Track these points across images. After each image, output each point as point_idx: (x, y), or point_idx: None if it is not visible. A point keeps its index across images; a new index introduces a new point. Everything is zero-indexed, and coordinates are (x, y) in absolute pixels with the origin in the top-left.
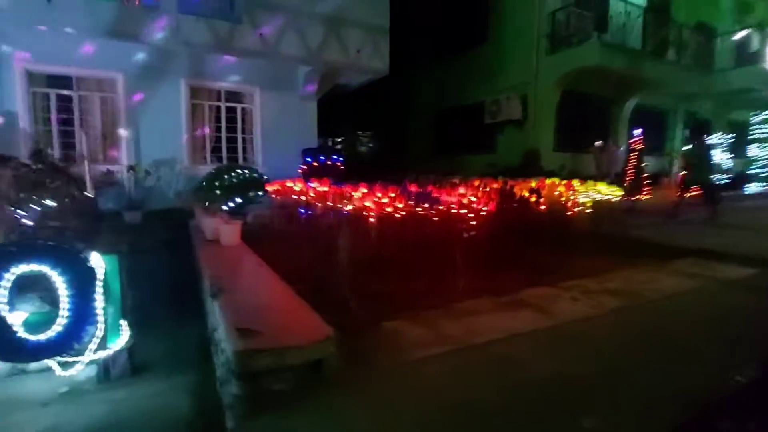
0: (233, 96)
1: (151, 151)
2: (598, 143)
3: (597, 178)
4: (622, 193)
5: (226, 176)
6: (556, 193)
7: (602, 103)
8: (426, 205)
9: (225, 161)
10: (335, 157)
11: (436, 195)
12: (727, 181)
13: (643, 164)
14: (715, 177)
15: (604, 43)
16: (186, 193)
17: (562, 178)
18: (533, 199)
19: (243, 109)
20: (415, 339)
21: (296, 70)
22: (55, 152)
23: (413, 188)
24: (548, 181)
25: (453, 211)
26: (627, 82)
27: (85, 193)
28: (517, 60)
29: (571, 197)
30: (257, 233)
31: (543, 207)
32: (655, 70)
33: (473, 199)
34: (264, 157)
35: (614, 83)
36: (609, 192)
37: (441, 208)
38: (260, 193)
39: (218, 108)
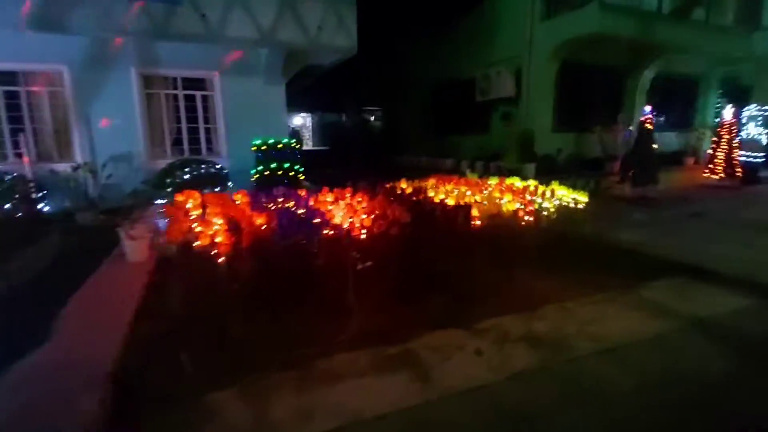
0: (191, 83)
1: (107, 147)
2: (616, 123)
3: (604, 160)
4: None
5: (178, 172)
6: (504, 200)
7: (613, 73)
8: (299, 235)
9: (187, 154)
10: (291, 151)
11: (317, 220)
12: (763, 159)
13: (654, 146)
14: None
15: (608, 6)
16: (141, 190)
17: (558, 163)
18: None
19: (204, 96)
20: (224, 427)
21: (258, 53)
22: (8, 152)
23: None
24: (508, 182)
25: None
26: (642, 49)
27: (32, 196)
28: (510, 27)
29: (521, 205)
30: None
31: (477, 222)
32: (678, 33)
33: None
34: (229, 147)
35: (627, 50)
36: (573, 196)
37: (328, 232)
38: (218, 189)
39: (176, 97)
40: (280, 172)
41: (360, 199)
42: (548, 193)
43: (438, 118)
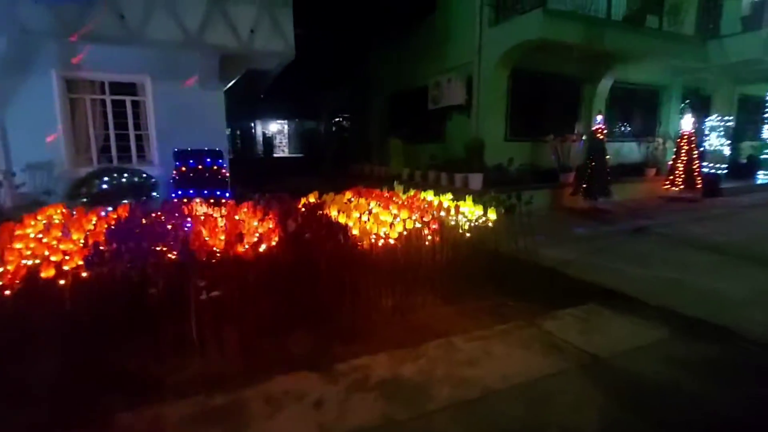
0: (120, 88)
1: (24, 154)
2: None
3: (558, 171)
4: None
5: (96, 181)
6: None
7: (569, 82)
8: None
9: (116, 162)
10: (216, 161)
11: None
12: (724, 170)
13: (607, 156)
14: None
15: (552, 12)
16: (42, 201)
17: (509, 174)
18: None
19: (134, 102)
20: None
21: (191, 57)
22: None
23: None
24: (423, 195)
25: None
26: (596, 56)
27: None
28: (462, 34)
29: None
30: None
31: (362, 242)
32: (630, 41)
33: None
34: (161, 155)
35: (580, 58)
36: (474, 212)
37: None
38: (141, 199)
39: (103, 102)
40: (200, 167)
41: (245, 213)
42: (453, 210)
43: (394, 126)
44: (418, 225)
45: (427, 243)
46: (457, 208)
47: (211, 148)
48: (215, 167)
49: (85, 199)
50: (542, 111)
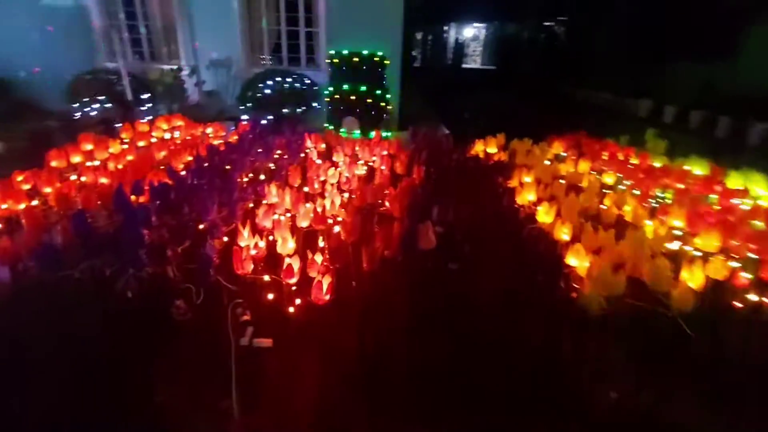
0: None
1: (207, 50)
2: None
3: None
4: None
5: (260, 85)
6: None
7: None
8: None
9: (285, 63)
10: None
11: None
12: None
13: None
14: None
15: None
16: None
17: None
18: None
19: None
20: None
21: None
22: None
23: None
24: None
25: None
26: None
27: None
28: None
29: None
30: None
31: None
32: None
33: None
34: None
35: None
36: None
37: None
38: (300, 110)
39: None
40: (353, 97)
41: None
42: None
43: (642, 32)
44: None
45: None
46: None
47: (373, 52)
48: (371, 78)
49: (249, 104)
50: None
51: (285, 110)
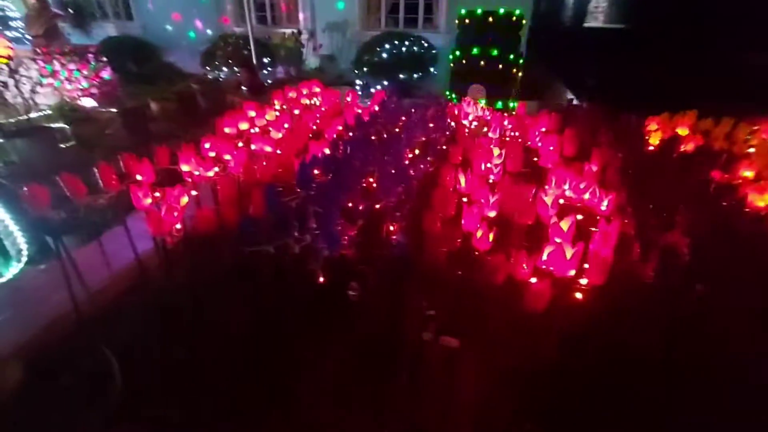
0: None
1: (323, 14)
2: None
3: None
4: None
5: (377, 49)
6: None
7: None
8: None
9: (402, 26)
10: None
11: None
12: None
13: None
14: None
15: None
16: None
17: None
18: None
19: None
20: None
21: None
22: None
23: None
24: None
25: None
26: None
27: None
28: None
29: None
30: None
31: None
32: None
33: None
34: (449, 19)
35: None
36: None
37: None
38: (417, 75)
39: None
40: (482, 63)
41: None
42: None
43: None
44: None
45: None
46: None
47: (510, 11)
48: (504, 41)
49: (365, 68)
50: None
51: (402, 76)
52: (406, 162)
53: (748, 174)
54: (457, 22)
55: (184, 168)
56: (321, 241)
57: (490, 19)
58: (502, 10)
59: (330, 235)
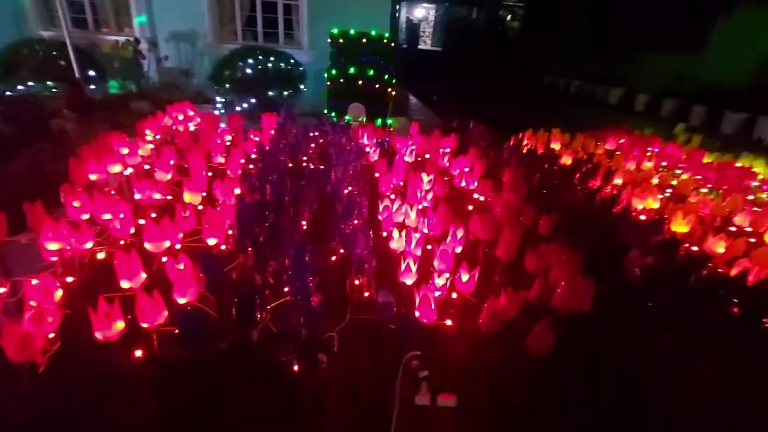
0: None
1: (166, 21)
2: None
3: None
4: None
5: (240, 63)
6: None
7: None
8: None
9: (260, 40)
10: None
11: None
12: None
13: None
14: None
15: None
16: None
17: None
18: None
19: None
20: None
21: None
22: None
23: None
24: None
25: None
26: None
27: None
28: None
29: None
30: None
31: None
32: None
33: None
34: (312, 36)
35: None
36: None
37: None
38: (287, 92)
39: None
40: (360, 82)
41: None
42: None
43: (609, 20)
44: None
45: None
46: None
47: (381, 34)
48: (379, 62)
49: (227, 85)
50: None
51: (270, 93)
52: (350, 196)
53: (619, 181)
54: (329, 41)
55: (50, 246)
56: (294, 316)
57: (364, 40)
58: (374, 32)
59: (308, 308)
